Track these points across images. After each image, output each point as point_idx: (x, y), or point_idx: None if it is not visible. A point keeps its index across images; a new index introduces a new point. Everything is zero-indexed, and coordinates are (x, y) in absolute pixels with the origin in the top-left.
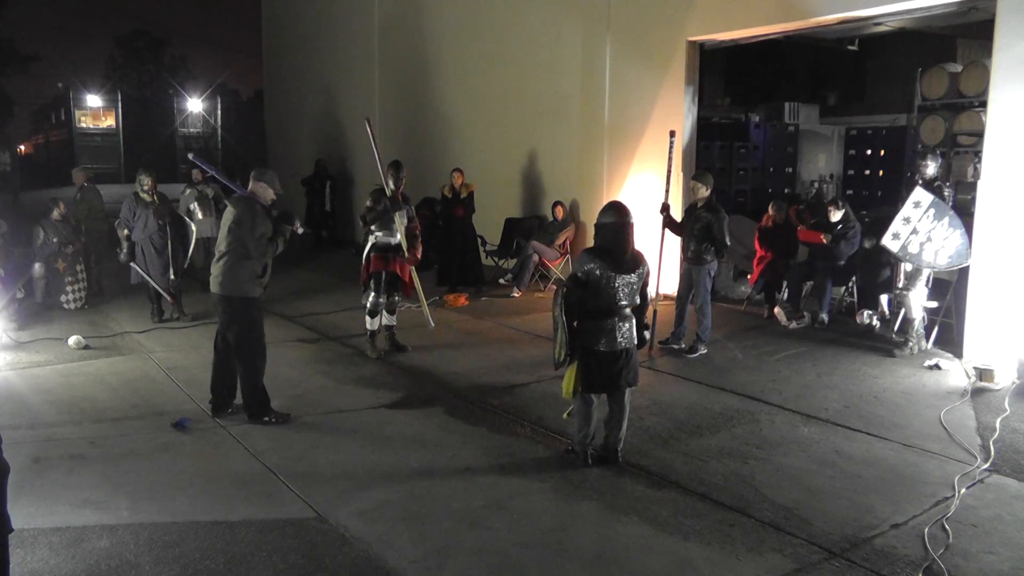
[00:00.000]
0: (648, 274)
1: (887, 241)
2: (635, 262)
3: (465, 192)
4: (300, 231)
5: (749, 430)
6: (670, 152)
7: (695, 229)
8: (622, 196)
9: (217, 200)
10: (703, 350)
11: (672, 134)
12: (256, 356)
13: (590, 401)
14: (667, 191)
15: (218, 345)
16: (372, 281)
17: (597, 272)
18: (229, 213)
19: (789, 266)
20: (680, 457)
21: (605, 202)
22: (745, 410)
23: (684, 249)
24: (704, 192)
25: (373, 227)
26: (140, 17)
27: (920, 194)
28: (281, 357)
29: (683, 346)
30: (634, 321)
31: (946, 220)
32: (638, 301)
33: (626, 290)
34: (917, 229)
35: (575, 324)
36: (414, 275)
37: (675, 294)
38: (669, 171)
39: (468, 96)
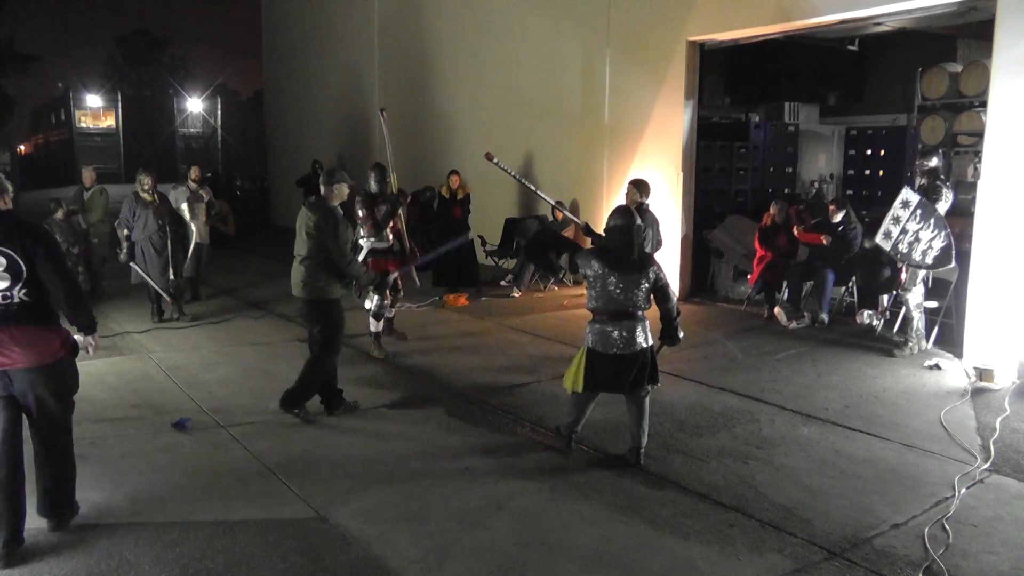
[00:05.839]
0: (659, 272)
1: (879, 239)
2: (642, 263)
3: (461, 194)
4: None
5: (749, 430)
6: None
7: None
8: (622, 196)
9: (210, 206)
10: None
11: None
12: (332, 353)
13: (588, 397)
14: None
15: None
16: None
17: (596, 267)
18: (307, 218)
19: (789, 266)
20: (680, 457)
21: (605, 202)
22: (745, 410)
23: None
24: (642, 199)
25: (366, 235)
26: (140, 17)
27: (908, 194)
28: (281, 357)
29: None
30: (646, 323)
31: (932, 221)
32: (647, 305)
33: (631, 290)
34: (906, 229)
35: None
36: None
37: None
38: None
39: (468, 96)
